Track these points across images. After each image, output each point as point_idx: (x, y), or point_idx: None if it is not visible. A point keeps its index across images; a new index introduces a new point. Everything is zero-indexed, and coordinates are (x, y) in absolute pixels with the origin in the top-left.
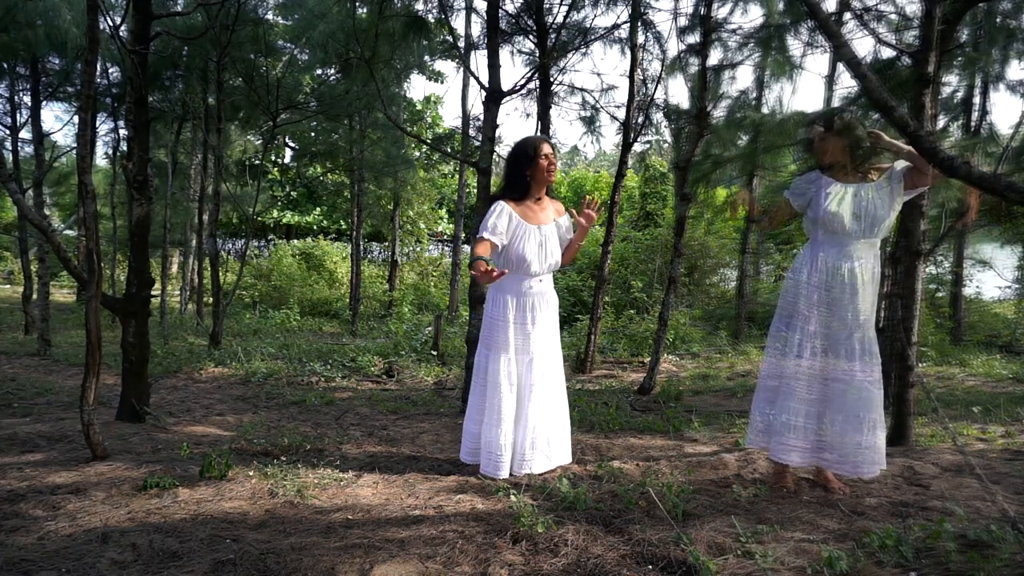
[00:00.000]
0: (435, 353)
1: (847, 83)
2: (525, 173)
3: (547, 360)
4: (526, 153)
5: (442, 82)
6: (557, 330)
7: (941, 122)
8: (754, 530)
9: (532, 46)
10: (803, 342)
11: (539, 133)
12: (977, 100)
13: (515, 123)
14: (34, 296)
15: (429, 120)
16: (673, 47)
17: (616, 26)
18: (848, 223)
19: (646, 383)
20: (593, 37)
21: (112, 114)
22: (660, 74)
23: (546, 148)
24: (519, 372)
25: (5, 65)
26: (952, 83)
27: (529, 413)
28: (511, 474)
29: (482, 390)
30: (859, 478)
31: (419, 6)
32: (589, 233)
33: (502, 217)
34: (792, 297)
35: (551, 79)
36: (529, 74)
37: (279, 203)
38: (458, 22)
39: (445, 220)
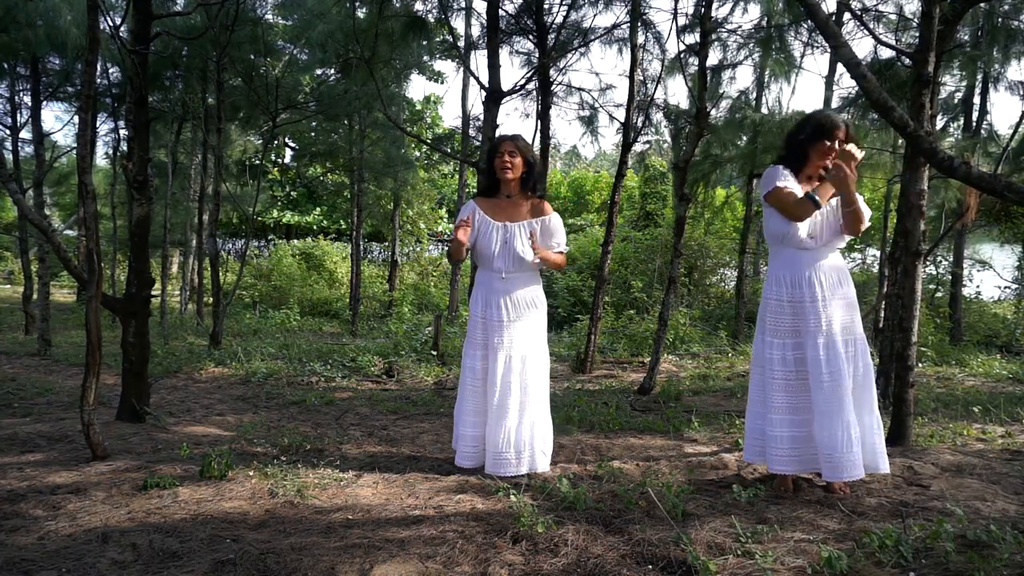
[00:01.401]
0: (435, 353)
1: (847, 83)
2: (491, 170)
3: (519, 361)
4: (490, 151)
5: (442, 82)
6: (535, 332)
7: (940, 122)
8: (754, 530)
9: (531, 46)
10: (773, 354)
11: (538, 133)
12: (977, 100)
13: (515, 123)
14: (34, 296)
15: (429, 120)
16: (673, 47)
17: (616, 26)
18: (803, 239)
19: (646, 383)
20: (593, 37)
21: (112, 114)
22: (660, 74)
23: (504, 146)
24: (487, 368)
25: (5, 65)
26: (951, 83)
27: (497, 411)
28: (487, 473)
29: (461, 384)
30: (844, 482)
31: (419, 6)
32: (589, 233)
33: (464, 214)
34: (762, 311)
35: (551, 79)
36: (529, 74)
37: (279, 203)
38: (458, 22)
39: (445, 220)
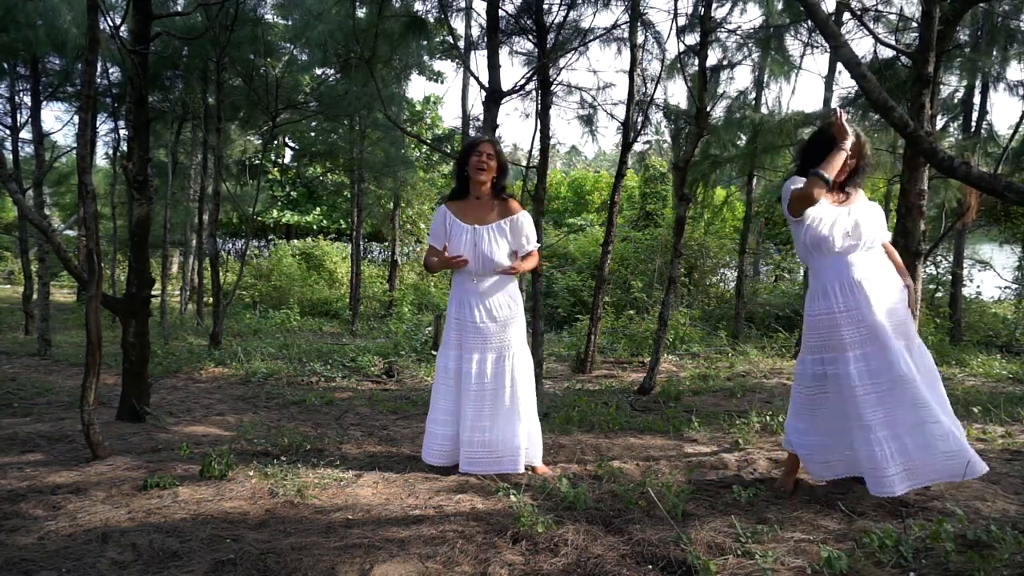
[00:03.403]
0: (435, 353)
1: (846, 83)
2: (464, 171)
3: (493, 362)
4: (465, 151)
5: (442, 82)
6: (511, 332)
7: (940, 122)
8: (754, 530)
9: (531, 46)
10: (847, 369)
11: (538, 133)
12: (976, 100)
13: (515, 123)
14: (34, 296)
15: (429, 121)
16: (672, 47)
17: (616, 26)
18: (840, 241)
19: (646, 383)
20: (592, 37)
21: (112, 114)
22: (659, 74)
23: (483, 147)
24: (460, 368)
25: (5, 65)
26: (951, 83)
27: (467, 412)
28: (462, 471)
29: (435, 382)
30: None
31: (419, 6)
32: (589, 233)
33: (437, 220)
34: (811, 330)
35: (550, 79)
36: (529, 74)
37: (279, 203)
38: (458, 22)
39: None
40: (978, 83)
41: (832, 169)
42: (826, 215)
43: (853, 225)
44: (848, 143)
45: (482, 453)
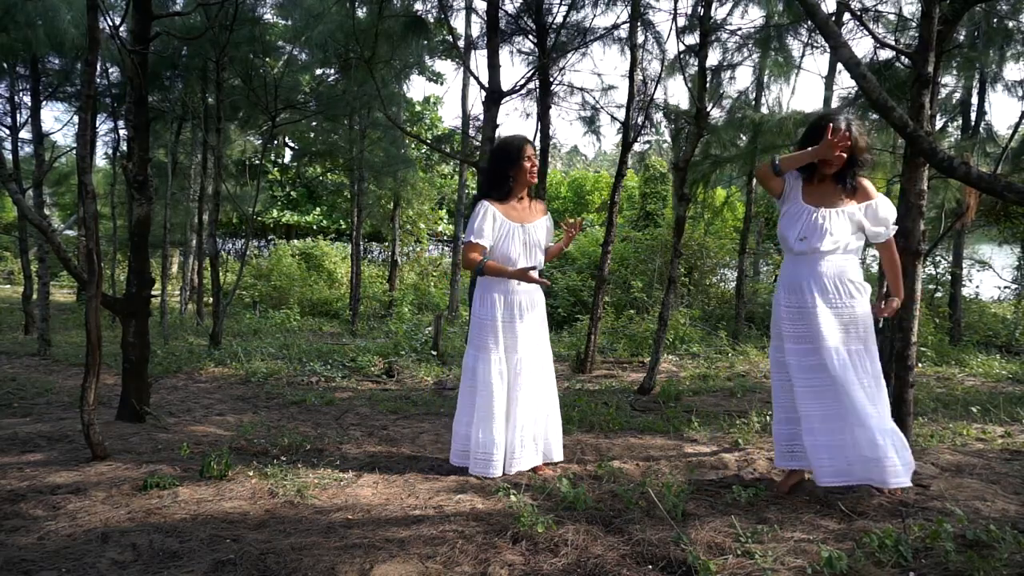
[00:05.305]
0: (435, 353)
1: (846, 83)
2: (508, 173)
3: (536, 359)
4: (510, 154)
5: (442, 83)
6: (546, 329)
7: (940, 122)
8: (754, 530)
9: (532, 46)
10: (790, 360)
11: (539, 133)
12: (975, 100)
13: (515, 123)
14: (34, 296)
15: (428, 121)
16: (673, 47)
17: (616, 26)
18: (792, 241)
19: (646, 383)
20: (592, 37)
21: (112, 114)
22: (660, 74)
23: (529, 150)
24: (509, 371)
25: (5, 65)
26: (950, 84)
27: (518, 412)
28: (503, 472)
29: (471, 391)
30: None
31: (419, 6)
32: (589, 233)
33: (487, 219)
34: (774, 317)
35: (551, 79)
36: (529, 74)
37: (279, 203)
38: (458, 22)
39: (445, 220)
40: (976, 83)
41: (790, 161)
42: (792, 213)
43: (816, 229)
44: (821, 150)
45: (528, 451)
